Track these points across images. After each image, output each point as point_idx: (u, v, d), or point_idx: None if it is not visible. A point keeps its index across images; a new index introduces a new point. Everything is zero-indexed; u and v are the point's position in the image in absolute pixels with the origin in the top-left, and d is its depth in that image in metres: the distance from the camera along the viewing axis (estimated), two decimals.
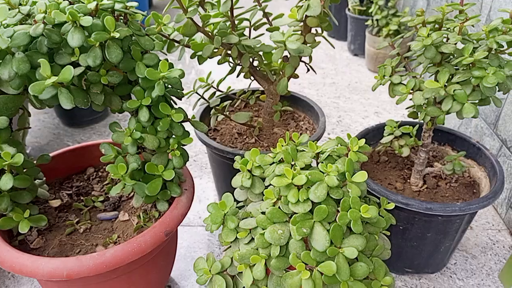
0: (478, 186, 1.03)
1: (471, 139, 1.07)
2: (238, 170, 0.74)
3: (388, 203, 0.73)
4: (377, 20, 2.01)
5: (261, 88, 1.22)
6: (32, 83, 0.60)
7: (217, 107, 1.07)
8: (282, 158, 0.68)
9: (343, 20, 2.36)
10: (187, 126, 0.80)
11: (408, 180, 1.04)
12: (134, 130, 0.71)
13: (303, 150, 0.73)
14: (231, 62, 1.03)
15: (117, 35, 0.62)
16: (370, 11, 2.05)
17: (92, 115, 1.61)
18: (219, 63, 1.01)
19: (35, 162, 0.79)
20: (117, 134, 0.72)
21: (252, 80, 1.10)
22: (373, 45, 2.06)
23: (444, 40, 0.79)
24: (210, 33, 0.84)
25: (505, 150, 1.22)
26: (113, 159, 0.76)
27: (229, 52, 0.91)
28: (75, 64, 0.66)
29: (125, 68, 0.68)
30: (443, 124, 0.85)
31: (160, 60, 0.69)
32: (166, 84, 0.70)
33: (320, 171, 0.63)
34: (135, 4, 0.69)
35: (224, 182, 1.17)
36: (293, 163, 0.68)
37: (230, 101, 1.16)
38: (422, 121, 0.97)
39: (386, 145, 1.03)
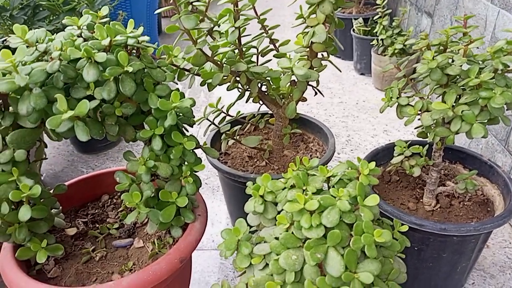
0: (492, 204, 1.02)
1: (483, 157, 1.07)
2: (251, 195, 0.75)
3: (402, 225, 0.72)
4: (382, 39, 2.03)
5: (270, 112, 1.24)
6: (49, 117, 0.63)
7: (227, 132, 1.09)
8: (293, 183, 0.68)
9: (348, 40, 2.39)
10: (198, 151, 0.81)
11: (421, 200, 1.03)
12: (148, 159, 0.73)
13: (314, 174, 0.74)
14: (240, 88, 1.06)
15: (130, 69, 0.64)
16: (375, 31, 2.07)
17: (105, 141, 1.64)
18: (228, 89, 1.03)
19: (51, 191, 0.81)
20: (131, 163, 0.74)
21: (261, 104, 1.12)
22: (379, 64, 2.08)
23: (450, 61, 0.80)
24: (219, 62, 0.86)
25: None
26: (127, 187, 0.78)
27: (238, 79, 0.93)
28: (90, 97, 0.69)
29: (138, 99, 0.70)
30: (453, 143, 0.86)
31: (171, 91, 0.71)
32: (177, 113, 0.72)
33: (332, 195, 0.64)
34: (147, 38, 0.71)
35: (236, 205, 1.18)
36: (304, 188, 0.68)
37: (240, 126, 1.18)
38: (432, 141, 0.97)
39: (396, 165, 1.03)
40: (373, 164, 0.71)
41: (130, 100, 0.71)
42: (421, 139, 1.01)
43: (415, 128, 0.99)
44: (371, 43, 2.13)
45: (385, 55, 2.04)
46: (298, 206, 0.63)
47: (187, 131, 0.82)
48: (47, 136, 0.74)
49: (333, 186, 0.70)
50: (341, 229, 0.62)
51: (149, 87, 0.70)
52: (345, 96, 2.13)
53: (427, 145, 1.01)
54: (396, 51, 1.95)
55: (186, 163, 0.79)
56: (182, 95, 0.73)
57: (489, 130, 1.37)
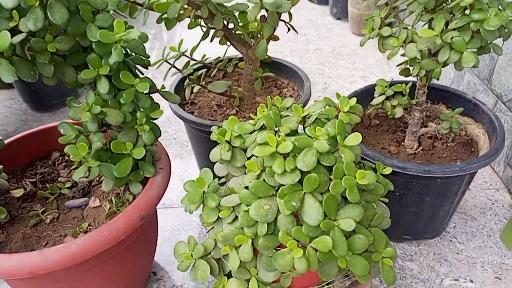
0: (476, 144, 0.97)
1: (467, 95, 1.00)
2: (218, 143, 0.66)
3: (384, 167, 0.65)
4: None
5: (240, 55, 1.13)
6: None
7: (191, 77, 0.98)
8: (264, 124, 0.60)
9: None
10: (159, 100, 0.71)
11: (402, 143, 0.97)
12: (93, 104, 0.62)
13: (288, 116, 0.65)
14: (204, 26, 0.94)
15: None
16: None
17: (62, 98, 1.49)
18: (189, 27, 0.91)
19: None
20: (74, 110, 0.63)
21: (229, 46, 1.01)
22: (356, 6, 1.96)
23: None
24: None
25: (500, 106, 1.16)
26: (73, 140, 0.67)
27: (199, 13, 0.81)
28: (16, 32, 0.57)
29: (74, 32, 0.58)
30: (438, 79, 0.78)
31: (114, 20, 0.59)
32: (126, 50, 0.61)
33: (308, 135, 0.56)
34: None
35: (206, 158, 1.09)
36: (276, 129, 0.60)
37: (206, 70, 1.06)
38: (416, 79, 0.89)
39: (377, 107, 0.96)
40: (354, 100, 0.62)
41: (65, 33, 0.59)
42: (402, 79, 0.94)
43: (397, 66, 0.91)
44: None
45: None
46: (269, 150, 0.54)
47: (142, 74, 0.71)
48: None
49: (310, 126, 0.61)
50: (318, 173, 0.54)
51: (86, 16, 0.58)
52: (321, 42, 2.02)
53: (410, 84, 0.93)
54: None
55: (141, 109, 0.68)
56: (130, 27, 0.62)
57: (471, 70, 1.31)
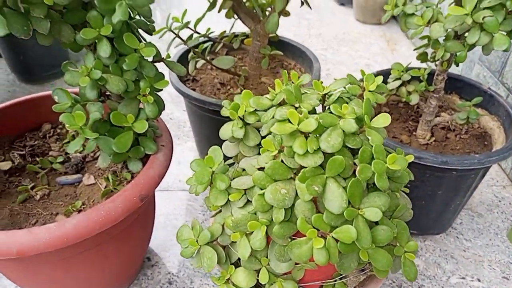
0: (490, 137, 0.93)
1: (482, 85, 0.96)
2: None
3: (405, 155, 0.61)
4: None
5: (245, 32, 1.07)
6: None
7: (195, 50, 0.91)
8: (283, 99, 0.54)
9: None
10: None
11: (414, 133, 0.93)
12: (93, 69, 0.56)
13: (306, 92, 0.59)
14: None
15: None
16: None
17: (52, 69, 1.41)
18: None
19: None
20: (71, 74, 0.57)
21: (236, 20, 0.95)
22: None
23: None
24: None
25: None
26: (69, 109, 0.61)
27: None
28: None
29: None
30: (463, 62, 0.73)
31: None
32: (131, 8, 0.54)
33: (333, 113, 0.50)
34: None
35: (207, 140, 1.04)
36: (297, 105, 0.54)
37: (211, 44, 1.00)
38: (432, 64, 0.85)
39: (390, 93, 0.91)
40: (380, 78, 0.57)
41: None
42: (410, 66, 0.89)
43: (414, 50, 0.86)
44: None
45: None
46: (290, 127, 0.49)
47: (145, 40, 0.64)
48: None
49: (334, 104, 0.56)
50: (344, 156, 0.49)
51: None
52: (324, 27, 1.96)
53: (429, 69, 0.88)
54: None
55: (144, 78, 0.62)
56: None
57: (482, 61, 1.27)
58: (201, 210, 1.03)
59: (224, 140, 0.62)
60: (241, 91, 0.98)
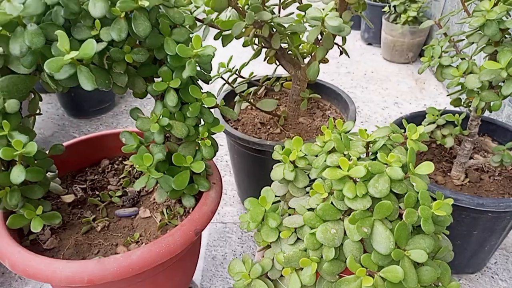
0: None
1: None
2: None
3: (445, 198, 0.64)
4: (394, 6, 1.92)
5: (285, 75, 1.14)
6: (47, 60, 0.52)
7: (242, 94, 0.99)
8: (334, 146, 0.59)
9: None
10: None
11: (448, 173, 0.96)
12: (162, 116, 0.63)
13: (351, 139, 0.65)
14: (256, 45, 0.95)
15: (146, 3, 0.53)
16: None
17: (99, 105, 1.52)
18: (244, 45, 0.92)
19: (47, 152, 0.71)
20: (142, 120, 0.64)
21: (278, 66, 1.02)
22: (390, 33, 1.97)
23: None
24: (241, 8, 0.75)
25: None
26: (135, 149, 0.68)
27: (257, 32, 0.82)
28: (96, 41, 0.58)
29: (152, 44, 0.59)
30: (497, 110, 0.77)
31: (191, 35, 0.61)
32: (197, 63, 0.62)
33: (380, 161, 0.55)
34: None
35: (247, 176, 1.09)
36: (346, 152, 0.59)
37: (255, 88, 1.07)
38: (465, 109, 0.89)
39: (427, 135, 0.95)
40: (421, 128, 0.62)
41: (140, 45, 0.61)
42: (437, 107, 0.93)
43: (448, 95, 0.91)
44: (382, 10, 2.02)
45: (397, 23, 1.93)
46: (340, 173, 0.54)
47: (202, 88, 0.72)
48: (46, 88, 0.63)
49: (375, 153, 0.61)
50: (389, 200, 0.53)
51: (165, 29, 0.59)
52: (352, 66, 2.03)
53: (464, 114, 0.92)
54: (409, 18, 1.84)
55: (202, 123, 0.69)
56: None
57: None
58: (238, 242, 1.07)
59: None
60: (281, 130, 1.04)
